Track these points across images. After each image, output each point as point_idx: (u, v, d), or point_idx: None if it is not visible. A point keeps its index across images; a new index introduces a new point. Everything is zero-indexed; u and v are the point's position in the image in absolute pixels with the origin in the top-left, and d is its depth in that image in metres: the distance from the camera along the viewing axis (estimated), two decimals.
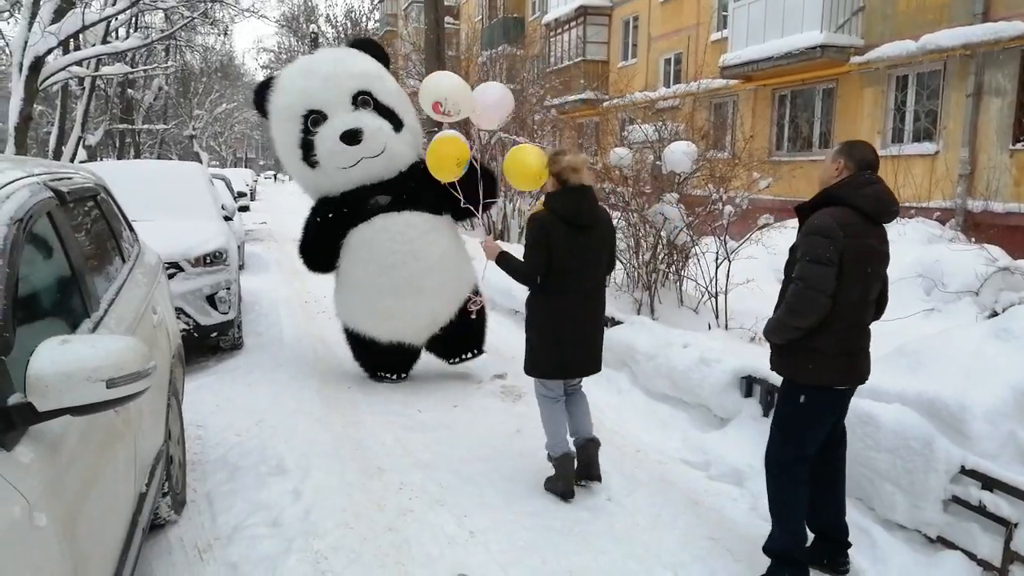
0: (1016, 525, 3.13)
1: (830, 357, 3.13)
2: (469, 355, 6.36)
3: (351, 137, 5.56)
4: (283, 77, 6.01)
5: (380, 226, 5.75)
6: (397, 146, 5.84)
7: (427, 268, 5.79)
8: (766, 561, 3.38)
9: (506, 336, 7.46)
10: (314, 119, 5.70)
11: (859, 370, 3.23)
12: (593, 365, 4.26)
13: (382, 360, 6.18)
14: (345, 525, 3.75)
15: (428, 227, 5.83)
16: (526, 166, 4.70)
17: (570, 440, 4.27)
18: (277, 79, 6.05)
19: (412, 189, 5.83)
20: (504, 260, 4.25)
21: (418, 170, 5.86)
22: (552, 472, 4.21)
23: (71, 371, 1.75)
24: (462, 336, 6.26)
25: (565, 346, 4.12)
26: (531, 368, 4.25)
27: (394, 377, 6.23)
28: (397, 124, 5.86)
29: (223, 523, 3.77)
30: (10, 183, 2.27)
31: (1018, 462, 3.27)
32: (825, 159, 3.35)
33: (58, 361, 1.75)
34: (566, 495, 4.12)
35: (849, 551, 3.39)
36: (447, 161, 5.27)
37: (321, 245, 5.98)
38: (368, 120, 5.66)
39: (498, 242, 4.78)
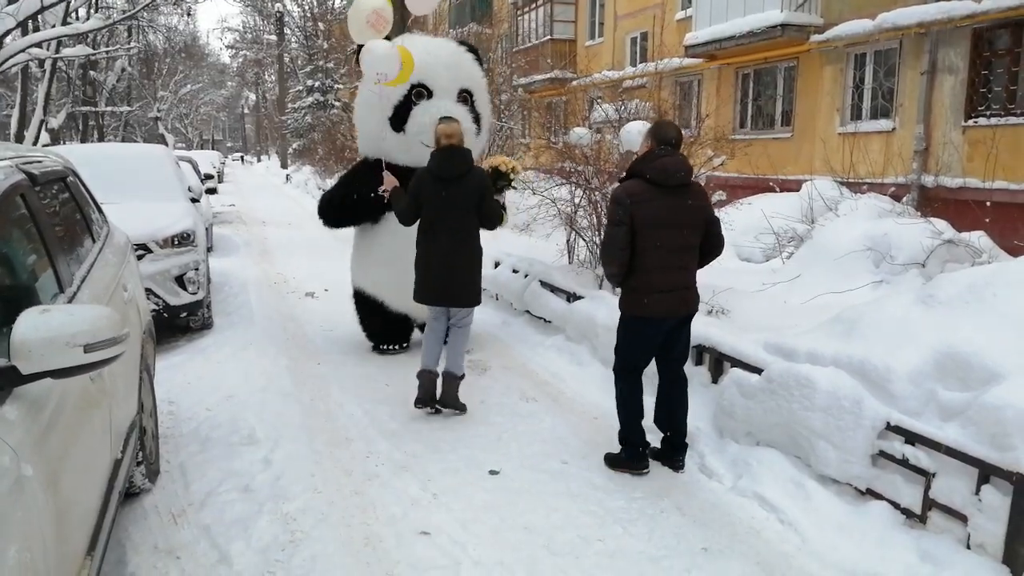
0: (934, 475, 3.40)
1: (643, 294, 4.03)
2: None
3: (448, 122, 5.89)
4: (403, 44, 6.23)
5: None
6: (472, 147, 6.16)
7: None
8: (712, 515, 3.78)
9: (477, 315, 7.64)
10: (418, 92, 6.11)
11: (673, 305, 4.09)
12: (457, 299, 5.03)
13: (390, 328, 6.56)
14: (313, 490, 3.95)
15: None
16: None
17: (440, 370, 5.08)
18: (396, 41, 6.30)
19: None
20: (396, 197, 5.13)
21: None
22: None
23: (52, 337, 1.92)
24: None
25: (430, 278, 4.97)
26: (413, 294, 5.10)
27: (397, 348, 6.61)
28: (479, 129, 6.39)
29: (196, 490, 3.94)
30: None
31: (938, 417, 3.52)
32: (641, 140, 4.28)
33: (40, 328, 1.92)
34: (418, 401, 4.95)
35: (687, 453, 4.32)
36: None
37: (353, 206, 6.33)
38: (465, 115, 6.06)
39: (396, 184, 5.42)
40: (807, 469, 3.92)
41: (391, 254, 6.17)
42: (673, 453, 4.32)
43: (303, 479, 4.06)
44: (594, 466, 4.31)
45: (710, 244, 4.18)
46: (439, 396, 5.03)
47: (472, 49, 6.81)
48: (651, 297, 4.02)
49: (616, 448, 4.38)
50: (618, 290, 7.02)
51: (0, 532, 1.65)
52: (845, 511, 3.64)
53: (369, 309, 6.58)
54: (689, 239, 4.07)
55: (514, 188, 5.83)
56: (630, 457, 4.26)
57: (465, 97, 6.30)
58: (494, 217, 5.14)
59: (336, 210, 6.47)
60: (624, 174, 4.21)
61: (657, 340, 4.21)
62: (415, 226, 5.09)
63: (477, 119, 6.35)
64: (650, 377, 4.41)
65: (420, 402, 4.97)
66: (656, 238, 3.95)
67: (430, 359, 5.05)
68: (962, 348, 3.61)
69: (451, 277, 4.96)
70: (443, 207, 4.90)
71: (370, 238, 6.46)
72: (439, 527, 3.62)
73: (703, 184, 7.28)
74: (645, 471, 4.22)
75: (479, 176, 5.06)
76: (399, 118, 6.12)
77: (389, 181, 5.38)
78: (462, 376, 5.10)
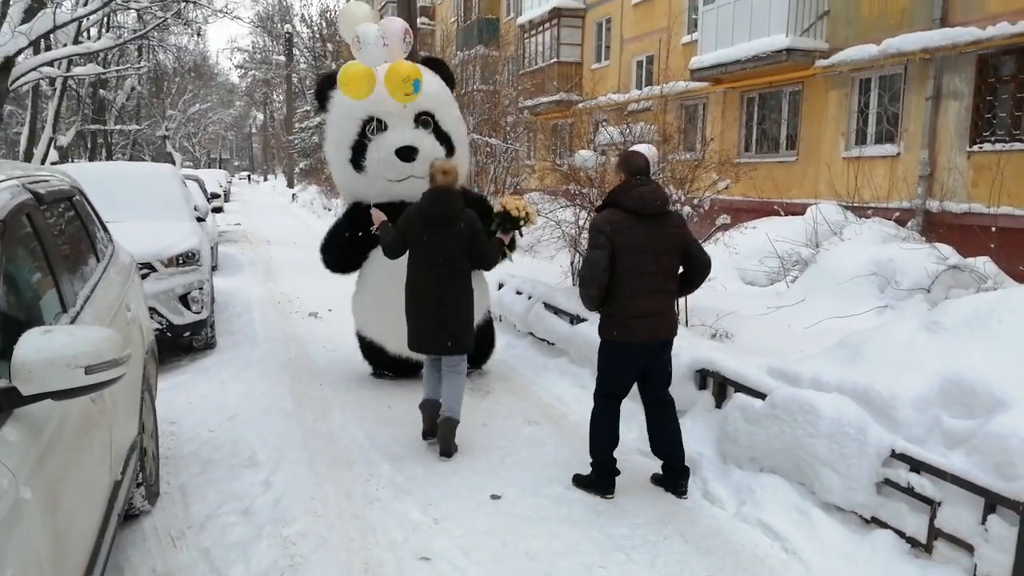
0: (940, 504, 3.36)
1: (620, 320, 4.11)
2: (478, 369, 6.49)
3: (407, 154, 5.72)
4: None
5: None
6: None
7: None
8: (716, 543, 3.74)
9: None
10: (372, 126, 5.84)
11: (650, 330, 4.16)
12: (447, 348, 4.82)
13: (389, 365, 6.34)
14: (313, 513, 3.92)
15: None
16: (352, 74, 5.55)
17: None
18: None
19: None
20: (383, 231, 4.97)
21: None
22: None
23: (53, 358, 1.92)
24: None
25: (419, 328, 4.84)
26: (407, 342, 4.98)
27: (392, 375, 6.40)
28: (450, 150, 6.00)
29: (196, 512, 3.92)
30: None
31: (943, 445, 3.49)
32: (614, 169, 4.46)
33: (41, 349, 1.92)
34: (426, 434, 4.89)
35: (689, 478, 4.32)
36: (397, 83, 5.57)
37: (345, 251, 6.15)
38: (426, 142, 5.85)
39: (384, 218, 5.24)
40: (811, 496, 3.88)
41: (384, 297, 5.75)
42: (675, 478, 4.32)
43: (303, 502, 4.04)
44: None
45: (693, 269, 4.27)
46: (437, 433, 4.81)
47: (434, 63, 6.49)
48: (631, 322, 4.11)
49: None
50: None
51: None
52: (850, 540, 3.61)
53: (368, 348, 6.40)
54: (667, 265, 4.17)
55: (520, 235, 5.64)
56: (599, 481, 4.28)
57: (426, 120, 5.94)
58: (487, 259, 5.01)
59: (333, 253, 6.25)
60: (600, 203, 4.32)
61: (638, 364, 4.26)
62: (406, 264, 4.97)
63: (446, 140, 6.01)
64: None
65: (428, 434, 4.90)
66: (635, 264, 4.04)
67: (432, 390, 4.97)
68: (967, 375, 3.58)
69: (441, 327, 4.79)
70: (432, 252, 4.74)
71: (364, 279, 6.22)
72: (440, 552, 3.58)
73: (707, 207, 7.33)
74: (610, 496, 4.22)
75: (471, 220, 4.82)
76: (357, 155, 5.91)
77: (376, 216, 5.14)
78: (458, 421, 4.83)
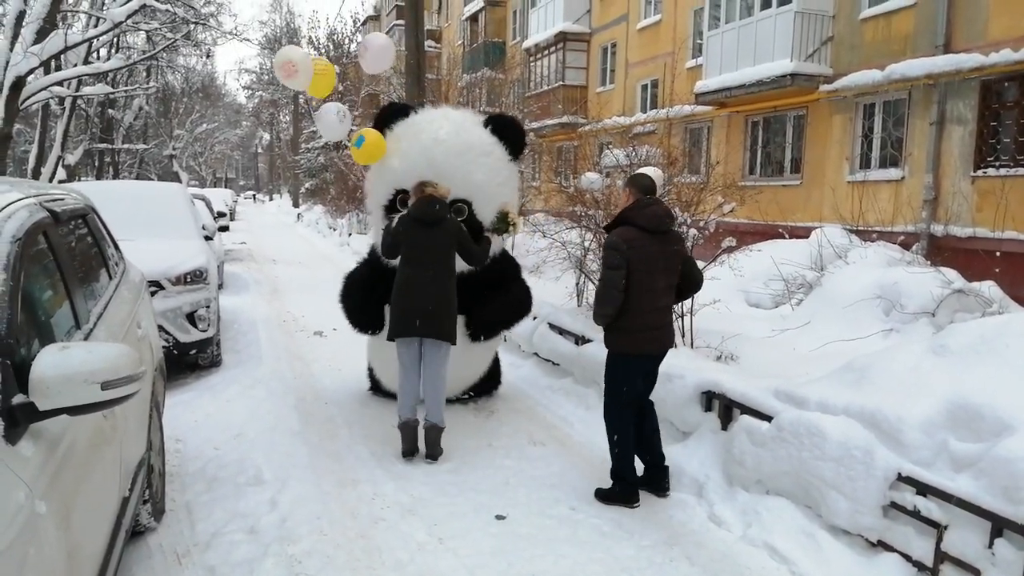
0: (946, 527, 3.36)
1: (633, 333, 4.31)
2: (484, 396, 6.48)
3: None
4: (409, 132, 5.68)
5: None
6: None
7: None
8: (722, 565, 3.74)
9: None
10: (403, 199, 5.49)
11: (659, 342, 4.45)
12: (432, 329, 5.02)
13: (384, 394, 6.32)
14: (319, 532, 3.92)
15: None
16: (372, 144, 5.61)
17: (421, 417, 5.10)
18: (407, 123, 5.76)
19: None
20: (384, 232, 5.35)
21: (467, 278, 5.54)
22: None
23: (70, 374, 1.94)
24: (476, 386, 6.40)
25: (405, 310, 5.02)
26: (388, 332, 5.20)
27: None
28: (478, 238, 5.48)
29: (201, 530, 3.92)
30: (10, 204, 2.45)
31: (950, 468, 3.49)
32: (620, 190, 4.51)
33: (59, 365, 1.94)
34: (405, 454, 5.00)
35: (669, 476, 4.54)
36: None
37: (368, 311, 5.96)
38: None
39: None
40: (818, 519, 3.88)
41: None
42: (658, 477, 4.52)
43: (309, 521, 4.04)
44: (603, 512, 4.27)
45: (687, 284, 4.61)
46: (424, 450, 5.03)
47: (504, 124, 5.92)
48: (644, 335, 4.35)
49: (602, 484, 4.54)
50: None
51: (14, 571, 1.66)
52: (856, 562, 3.60)
53: (372, 374, 6.46)
54: (670, 280, 4.44)
55: (502, 236, 5.83)
56: (624, 492, 4.41)
57: (460, 207, 5.49)
58: (475, 256, 5.31)
59: (354, 299, 6.11)
60: (610, 221, 4.54)
61: (642, 373, 4.50)
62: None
63: (479, 230, 5.54)
64: None
65: (408, 454, 5.00)
66: (647, 280, 4.26)
67: (407, 408, 5.05)
68: (974, 399, 3.59)
69: (427, 309, 4.98)
70: (421, 249, 5.06)
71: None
72: (446, 573, 3.58)
73: (713, 230, 7.35)
74: (636, 505, 4.37)
75: (454, 224, 5.21)
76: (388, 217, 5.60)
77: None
78: (443, 428, 5.05)
